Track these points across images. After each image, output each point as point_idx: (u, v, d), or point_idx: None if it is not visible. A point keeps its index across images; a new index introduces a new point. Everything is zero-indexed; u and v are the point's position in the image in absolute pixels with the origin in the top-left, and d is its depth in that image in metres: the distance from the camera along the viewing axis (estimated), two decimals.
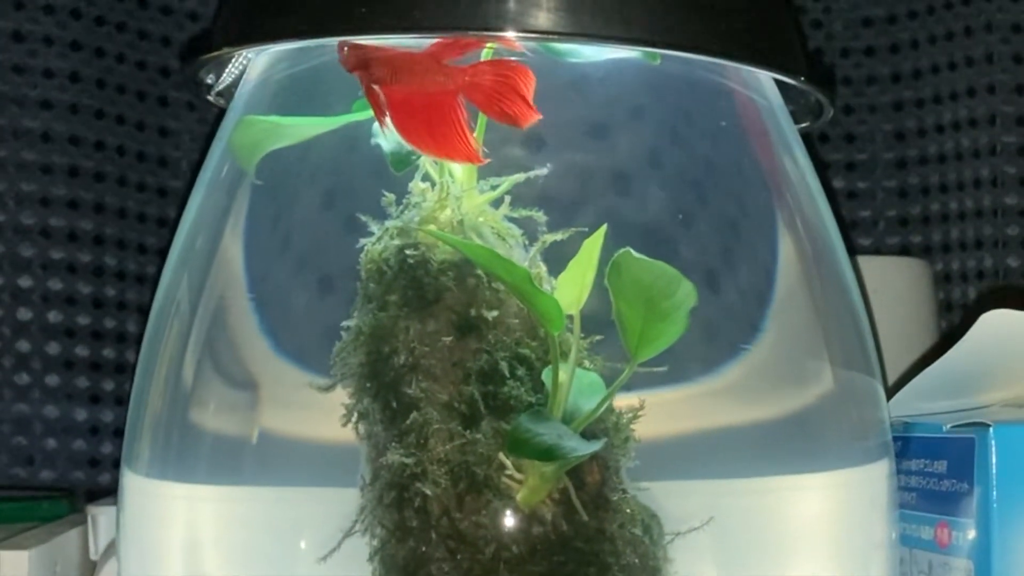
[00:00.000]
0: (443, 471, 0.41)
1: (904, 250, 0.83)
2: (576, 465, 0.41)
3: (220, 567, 0.45)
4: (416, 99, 0.41)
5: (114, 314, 0.78)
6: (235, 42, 0.45)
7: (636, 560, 0.42)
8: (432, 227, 0.43)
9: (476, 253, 0.42)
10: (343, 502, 0.42)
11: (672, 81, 0.45)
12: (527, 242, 0.43)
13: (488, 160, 0.42)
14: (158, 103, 0.81)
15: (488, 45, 0.43)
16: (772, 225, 0.47)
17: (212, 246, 0.47)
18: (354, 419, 0.43)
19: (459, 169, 0.43)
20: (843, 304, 0.47)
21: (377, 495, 0.42)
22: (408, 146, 0.43)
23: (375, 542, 0.42)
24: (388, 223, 0.43)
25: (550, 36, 0.42)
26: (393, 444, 0.41)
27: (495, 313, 0.42)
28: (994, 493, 0.45)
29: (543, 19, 0.41)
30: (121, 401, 0.78)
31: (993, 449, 0.46)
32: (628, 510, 0.43)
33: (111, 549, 0.58)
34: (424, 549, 0.41)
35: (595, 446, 0.41)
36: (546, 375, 0.42)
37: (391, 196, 0.43)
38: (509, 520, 0.41)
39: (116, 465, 0.77)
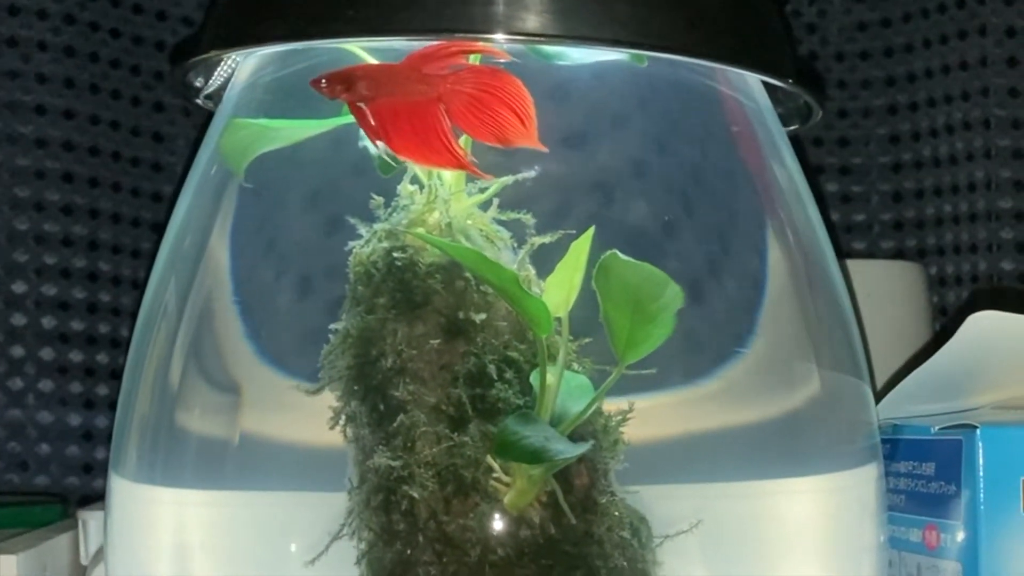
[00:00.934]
0: (430, 474, 0.41)
1: (899, 254, 0.83)
2: (564, 468, 0.41)
3: (208, 571, 0.45)
4: (400, 110, 0.41)
5: (108, 319, 0.78)
6: (223, 45, 0.45)
7: (624, 563, 0.42)
8: (420, 230, 0.43)
9: (464, 256, 0.42)
10: (330, 506, 0.42)
11: (659, 83, 0.45)
12: (515, 245, 0.43)
13: (476, 166, 0.42)
14: (152, 108, 0.81)
15: (472, 54, 0.42)
16: (760, 228, 0.47)
17: (199, 249, 0.47)
18: (342, 422, 0.43)
19: (447, 172, 0.43)
20: (832, 307, 0.47)
21: (364, 498, 0.42)
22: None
23: (362, 545, 0.42)
24: (376, 226, 0.43)
25: (538, 39, 0.42)
26: (380, 447, 0.41)
27: (483, 316, 0.42)
28: (981, 495, 0.45)
29: (531, 22, 0.42)
30: (115, 406, 0.78)
31: (980, 451, 0.45)
32: (616, 513, 0.42)
33: (100, 554, 0.58)
34: (411, 552, 0.41)
35: (582, 448, 0.41)
36: (534, 378, 0.42)
37: (379, 199, 0.43)
38: (497, 523, 0.41)
39: None
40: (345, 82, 0.42)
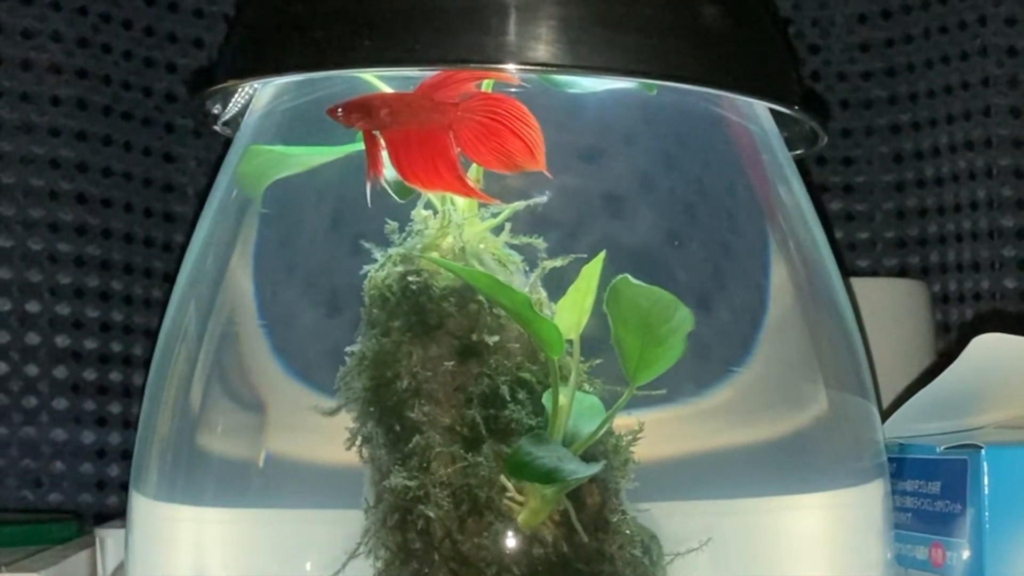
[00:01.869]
0: (445, 494, 0.42)
1: (902, 271, 0.84)
2: (576, 487, 0.42)
3: None
4: (412, 137, 0.42)
5: (121, 338, 0.79)
6: (241, 75, 0.46)
7: None
8: (434, 254, 0.44)
9: (477, 279, 0.43)
10: (347, 524, 0.43)
11: (669, 111, 0.46)
12: (527, 268, 0.44)
13: (481, 191, 0.43)
14: (164, 129, 0.81)
15: (485, 80, 0.43)
16: (766, 252, 0.47)
17: (220, 272, 0.48)
18: (358, 442, 0.43)
19: (460, 198, 0.44)
20: (837, 327, 0.48)
21: (381, 517, 0.42)
22: None
23: (379, 564, 0.42)
24: (391, 250, 0.44)
25: (549, 68, 0.43)
26: (396, 467, 0.42)
27: (496, 338, 0.43)
28: (986, 514, 0.46)
29: (542, 52, 0.42)
30: (128, 424, 0.79)
31: (985, 470, 0.46)
32: (627, 531, 0.43)
33: (119, 571, 0.58)
34: (427, 571, 0.42)
35: (594, 468, 0.42)
36: (546, 398, 0.43)
37: (394, 224, 0.44)
38: (511, 542, 0.42)
39: (123, 487, 0.78)
40: (361, 111, 0.42)
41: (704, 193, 0.48)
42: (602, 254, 0.43)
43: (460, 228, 0.44)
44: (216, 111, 0.50)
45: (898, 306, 0.72)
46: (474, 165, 0.43)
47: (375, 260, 0.44)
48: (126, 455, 0.78)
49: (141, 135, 0.80)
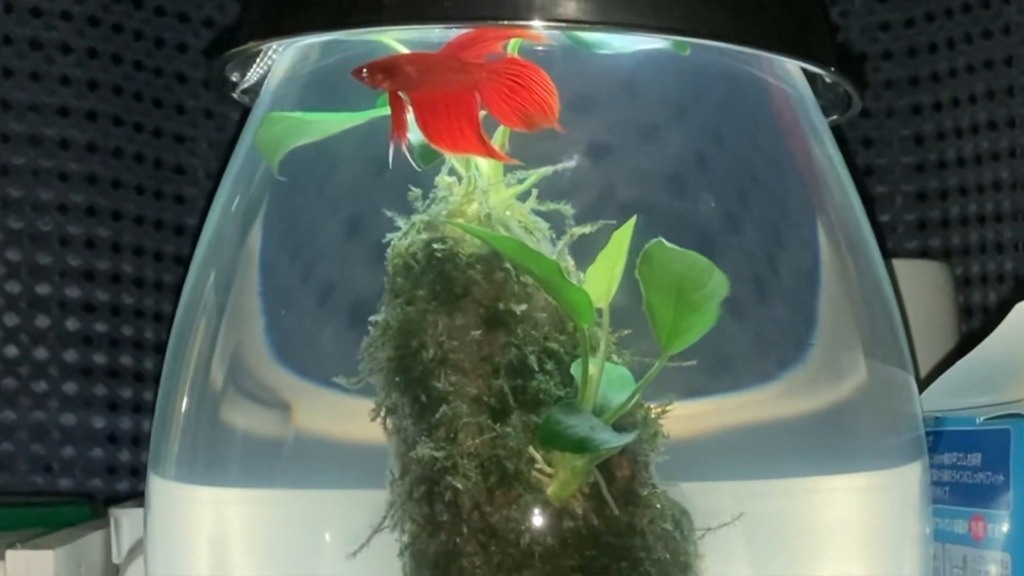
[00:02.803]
0: (473, 465, 0.41)
1: (923, 254, 0.83)
2: (606, 459, 0.41)
3: (247, 568, 0.45)
4: (439, 98, 0.41)
5: (132, 321, 0.78)
6: (261, 36, 0.45)
7: (667, 555, 0.42)
8: (460, 220, 0.43)
9: (505, 245, 0.42)
10: (370, 503, 0.42)
11: (703, 72, 0.45)
12: (554, 236, 0.43)
13: (506, 156, 0.42)
14: (175, 110, 0.80)
15: (512, 40, 0.42)
16: (808, 216, 0.46)
17: (240, 245, 0.47)
18: (383, 414, 0.42)
19: (485, 163, 0.43)
20: (877, 295, 0.47)
21: (407, 489, 0.41)
22: None
23: (405, 537, 0.41)
24: (415, 217, 0.43)
25: (578, 25, 0.42)
26: (423, 438, 0.41)
27: (523, 307, 0.42)
28: None
29: (571, 8, 0.41)
30: (139, 408, 0.78)
31: None
32: (658, 505, 0.42)
33: (134, 552, 0.57)
34: (455, 543, 0.41)
35: (628, 438, 0.41)
36: (575, 369, 0.42)
37: (417, 191, 0.43)
38: (540, 514, 0.41)
39: (134, 472, 0.77)
40: (387, 71, 0.41)
41: (741, 156, 0.46)
42: (632, 220, 0.42)
43: (485, 194, 0.43)
44: (235, 79, 0.49)
45: (921, 289, 0.71)
46: (499, 129, 0.42)
47: (398, 228, 0.43)
48: (137, 440, 0.77)
49: (152, 116, 0.79)
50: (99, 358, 0.77)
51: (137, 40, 0.79)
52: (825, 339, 0.45)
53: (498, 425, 0.41)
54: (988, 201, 0.80)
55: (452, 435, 0.41)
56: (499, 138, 0.42)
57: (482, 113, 0.42)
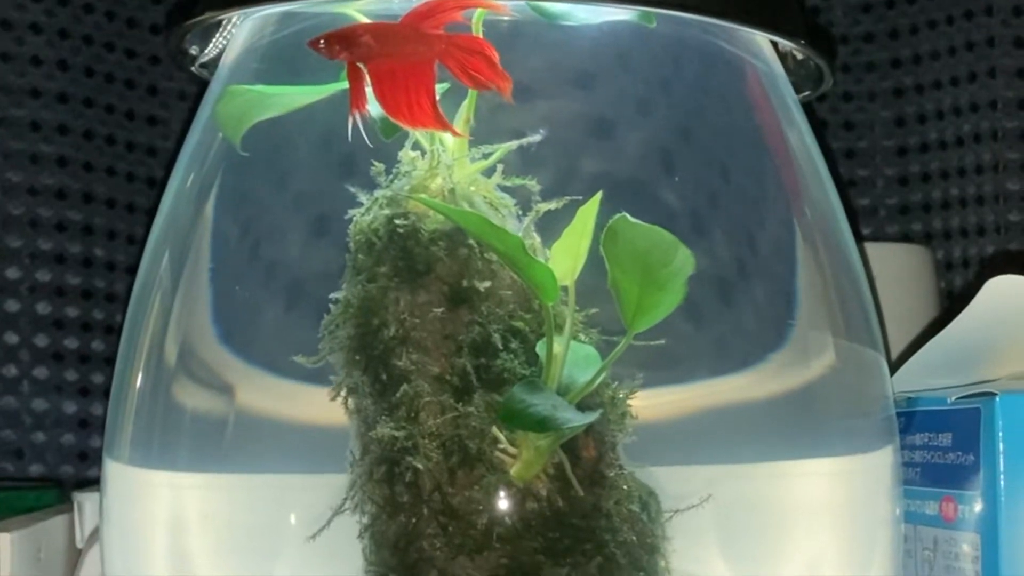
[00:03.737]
0: (435, 445, 0.40)
1: (905, 238, 0.82)
2: (571, 439, 0.40)
3: (203, 553, 0.44)
4: (398, 70, 0.40)
5: (103, 306, 0.77)
6: (219, 6, 0.44)
7: (633, 537, 0.41)
8: (423, 196, 0.42)
9: (469, 221, 0.41)
10: (328, 487, 0.41)
11: (669, 45, 0.44)
12: (520, 212, 0.42)
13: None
14: (147, 92, 0.79)
15: (476, 11, 0.41)
16: (779, 194, 0.46)
17: (194, 221, 0.46)
18: (343, 393, 0.41)
19: (450, 137, 0.42)
20: (847, 274, 0.46)
21: (367, 470, 0.41)
22: None
23: (365, 518, 0.41)
24: (377, 192, 0.42)
25: None
26: (383, 417, 0.40)
27: (487, 284, 0.41)
28: (1001, 464, 0.44)
29: None
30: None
31: (1000, 419, 0.44)
32: (625, 487, 0.41)
33: (95, 537, 0.56)
34: (416, 524, 0.40)
35: (591, 417, 0.40)
36: (540, 347, 0.41)
37: (380, 165, 0.42)
38: (503, 495, 0.40)
39: None
40: (344, 41, 0.40)
41: (709, 130, 0.46)
42: (598, 195, 0.41)
43: (450, 169, 0.42)
44: (194, 51, 0.48)
45: (902, 272, 0.70)
46: (464, 102, 0.41)
47: (360, 204, 0.42)
48: None
49: (124, 97, 0.78)
50: (71, 343, 0.76)
51: (109, 20, 0.78)
52: (796, 321, 0.45)
53: (460, 404, 0.40)
54: (970, 184, 0.79)
55: (413, 415, 0.40)
56: (465, 111, 0.42)
57: (447, 85, 0.41)
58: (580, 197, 0.41)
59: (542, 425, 0.39)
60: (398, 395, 0.40)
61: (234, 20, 0.46)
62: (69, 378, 0.76)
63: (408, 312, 0.41)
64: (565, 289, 0.41)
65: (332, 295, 0.42)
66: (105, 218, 0.77)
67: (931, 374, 0.49)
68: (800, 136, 0.46)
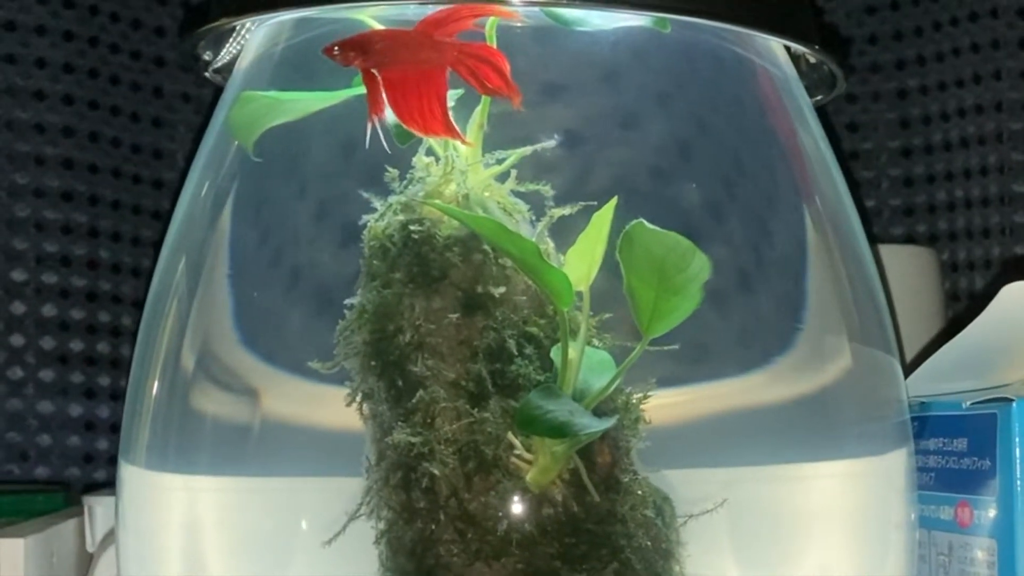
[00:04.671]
0: (451, 451, 0.40)
1: (910, 239, 0.82)
2: (586, 445, 0.40)
3: (220, 557, 0.44)
4: (410, 77, 0.40)
5: (109, 308, 0.77)
6: (234, 12, 0.44)
7: (648, 543, 0.41)
8: (437, 201, 0.42)
9: (483, 226, 0.41)
10: (344, 491, 0.41)
11: (684, 51, 0.44)
12: (534, 217, 0.42)
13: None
14: (153, 94, 0.79)
15: (478, 20, 0.41)
16: (794, 198, 0.46)
17: (211, 227, 0.46)
18: (359, 399, 0.41)
19: (463, 144, 0.42)
20: (862, 279, 0.46)
21: (383, 476, 0.41)
22: None
23: (381, 524, 0.41)
24: (391, 198, 0.42)
25: (556, 2, 0.41)
26: (399, 423, 0.40)
27: (502, 290, 0.41)
28: (1017, 470, 0.44)
29: None
30: (116, 396, 0.77)
31: (1016, 424, 0.44)
32: (640, 492, 0.41)
33: (107, 541, 0.56)
34: (432, 530, 0.40)
35: (608, 423, 0.40)
36: (555, 353, 0.41)
37: (394, 171, 0.42)
38: (519, 501, 0.40)
39: (112, 461, 0.76)
40: (358, 48, 0.40)
41: (725, 137, 0.46)
42: (613, 201, 0.41)
43: (464, 175, 0.42)
44: (207, 57, 0.48)
45: (907, 274, 0.70)
46: (478, 108, 0.41)
47: (375, 210, 0.42)
48: (114, 428, 0.76)
49: (129, 100, 0.78)
50: (76, 345, 0.76)
51: (114, 22, 0.78)
52: (810, 324, 0.45)
53: (476, 410, 0.40)
54: (975, 186, 0.80)
55: (429, 420, 0.40)
56: (478, 116, 0.42)
57: (460, 92, 0.41)
58: (595, 202, 0.41)
59: (559, 431, 0.39)
60: (414, 401, 0.40)
61: (248, 26, 0.46)
62: (75, 380, 0.76)
63: (423, 318, 0.41)
64: (580, 294, 0.41)
65: (347, 300, 0.42)
66: (111, 220, 0.77)
67: (945, 378, 0.49)
68: (814, 140, 0.46)
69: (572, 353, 0.41)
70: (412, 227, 0.42)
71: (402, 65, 0.40)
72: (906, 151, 0.83)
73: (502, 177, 0.42)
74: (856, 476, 0.45)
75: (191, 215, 0.47)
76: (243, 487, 0.44)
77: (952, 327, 0.70)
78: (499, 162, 0.42)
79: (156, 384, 0.45)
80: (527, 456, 0.40)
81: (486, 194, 0.42)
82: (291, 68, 0.46)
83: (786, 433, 0.44)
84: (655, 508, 0.42)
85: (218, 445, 0.45)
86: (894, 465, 0.45)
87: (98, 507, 0.58)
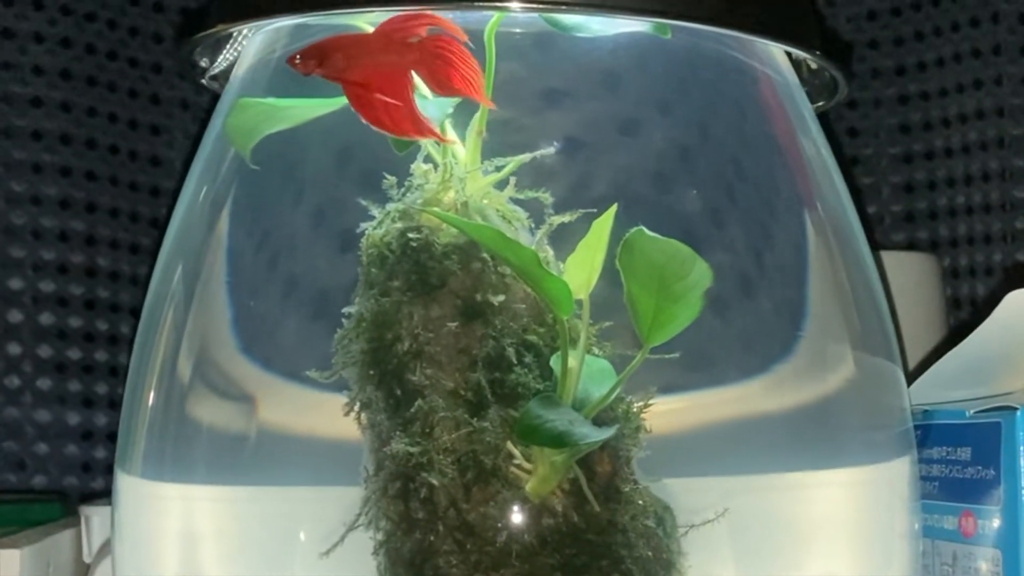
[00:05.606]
0: (449, 460, 0.40)
1: (911, 246, 0.82)
2: (586, 454, 0.40)
3: (217, 567, 0.44)
4: (372, 79, 0.40)
5: (107, 316, 0.77)
6: (231, 19, 0.43)
7: (649, 553, 0.41)
8: (436, 209, 0.41)
9: (482, 234, 0.41)
10: (342, 500, 0.41)
11: (684, 57, 0.44)
12: (533, 225, 0.42)
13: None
14: (150, 101, 0.79)
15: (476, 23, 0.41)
16: (796, 205, 0.45)
17: (207, 235, 0.45)
18: (357, 408, 0.41)
19: (462, 150, 0.42)
20: (864, 286, 0.46)
21: (382, 486, 0.40)
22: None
23: (380, 535, 0.40)
24: (390, 206, 0.42)
25: (555, 7, 0.41)
26: (397, 433, 0.40)
27: (501, 298, 0.41)
28: (1022, 479, 0.44)
29: None
30: (114, 405, 0.76)
31: (1021, 433, 0.44)
32: (640, 502, 0.41)
33: (104, 551, 0.56)
34: (431, 541, 0.39)
35: (608, 432, 0.40)
36: (554, 362, 0.41)
37: (392, 178, 0.42)
38: (518, 511, 0.39)
39: (109, 470, 0.75)
40: (318, 56, 0.40)
41: (726, 143, 0.45)
42: (613, 208, 0.40)
43: (462, 182, 0.42)
44: (204, 64, 0.48)
45: (908, 281, 0.70)
46: (478, 113, 0.41)
47: (373, 217, 0.42)
48: (112, 437, 0.76)
49: (126, 107, 0.78)
50: (74, 353, 0.76)
51: (111, 30, 0.78)
52: (812, 331, 0.44)
53: (475, 420, 0.40)
54: (976, 192, 0.79)
55: (428, 430, 0.40)
56: (476, 123, 0.41)
57: (458, 100, 0.40)
58: (594, 210, 0.41)
59: (560, 441, 0.39)
60: (412, 410, 0.40)
61: (245, 32, 0.45)
62: (72, 389, 0.75)
63: (422, 326, 0.41)
64: (579, 302, 0.41)
65: (345, 309, 0.42)
66: (108, 228, 0.77)
67: (948, 386, 0.49)
68: (815, 146, 0.46)
69: (572, 362, 0.41)
70: (410, 235, 0.42)
71: (363, 70, 0.40)
72: (907, 157, 0.83)
73: (501, 184, 0.42)
74: (859, 485, 0.45)
75: (188, 222, 0.46)
76: (240, 497, 0.44)
77: (954, 334, 0.69)
78: (498, 169, 0.42)
79: (153, 392, 0.45)
80: (527, 466, 0.40)
81: (485, 201, 0.42)
82: (288, 75, 0.45)
83: (788, 442, 0.44)
84: (656, 518, 0.41)
85: (215, 454, 0.44)
86: (897, 474, 0.45)
87: (95, 517, 0.57)
